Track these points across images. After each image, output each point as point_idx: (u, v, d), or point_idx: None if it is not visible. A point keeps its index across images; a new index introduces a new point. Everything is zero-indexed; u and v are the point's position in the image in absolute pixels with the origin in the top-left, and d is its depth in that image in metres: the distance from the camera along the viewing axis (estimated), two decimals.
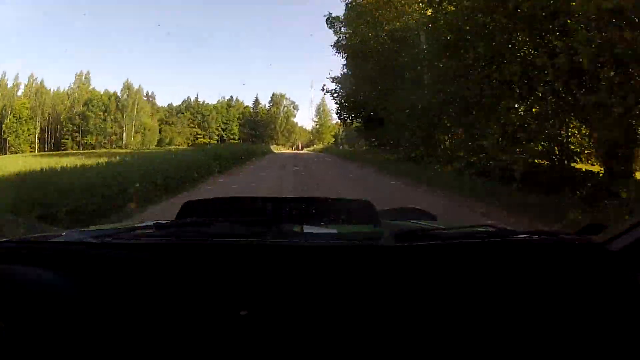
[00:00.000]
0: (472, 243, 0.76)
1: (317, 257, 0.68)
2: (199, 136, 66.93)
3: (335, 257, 0.69)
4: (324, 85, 53.24)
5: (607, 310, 0.59)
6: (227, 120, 68.49)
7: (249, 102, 72.14)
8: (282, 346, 0.53)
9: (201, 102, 69.32)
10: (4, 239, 0.82)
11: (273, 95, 68.84)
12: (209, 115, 67.60)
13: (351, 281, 0.63)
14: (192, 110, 68.28)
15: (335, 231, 0.93)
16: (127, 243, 0.80)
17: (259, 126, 69.17)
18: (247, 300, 0.60)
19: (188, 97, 70.12)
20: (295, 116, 68.99)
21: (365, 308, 0.59)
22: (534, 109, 5.94)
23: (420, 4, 9.63)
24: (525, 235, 0.85)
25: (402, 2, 12.03)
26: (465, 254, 0.71)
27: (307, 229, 0.94)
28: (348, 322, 0.56)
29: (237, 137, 68.84)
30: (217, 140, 68.14)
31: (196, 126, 67.30)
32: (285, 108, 67.98)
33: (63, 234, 0.87)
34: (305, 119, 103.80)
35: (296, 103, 69.39)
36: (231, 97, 71.90)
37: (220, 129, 67.75)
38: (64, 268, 0.67)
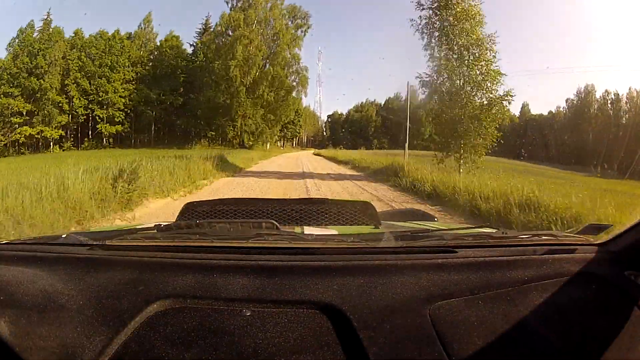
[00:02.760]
0: (473, 245, 0.77)
1: (318, 259, 0.69)
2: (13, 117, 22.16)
3: (336, 258, 0.70)
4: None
5: (607, 309, 0.61)
6: (101, 69, 23.13)
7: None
8: (285, 345, 0.54)
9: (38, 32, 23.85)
10: (4, 241, 0.83)
11: None
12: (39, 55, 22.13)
13: (352, 282, 0.63)
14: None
15: (335, 232, 0.95)
16: (128, 245, 0.79)
17: (196, 80, 23.35)
18: (250, 301, 0.60)
19: None
20: (301, 47, 22.31)
21: (367, 308, 0.59)
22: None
23: None
24: (526, 236, 0.86)
25: None
26: (466, 255, 0.71)
27: (308, 230, 0.95)
28: (349, 322, 0.57)
29: (123, 116, 23.47)
30: (65, 129, 23.37)
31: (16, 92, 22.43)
32: (273, 22, 21.42)
33: (63, 235, 0.87)
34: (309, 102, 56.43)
35: (306, 12, 21.45)
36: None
37: (80, 95, 22.70)
38: (65, 269, 0.67)
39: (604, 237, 0.75)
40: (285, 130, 28.91)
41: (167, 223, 0.87)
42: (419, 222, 1.20)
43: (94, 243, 0.77)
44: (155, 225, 0.86)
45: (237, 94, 20.40)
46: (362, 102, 36.46)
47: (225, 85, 20.56)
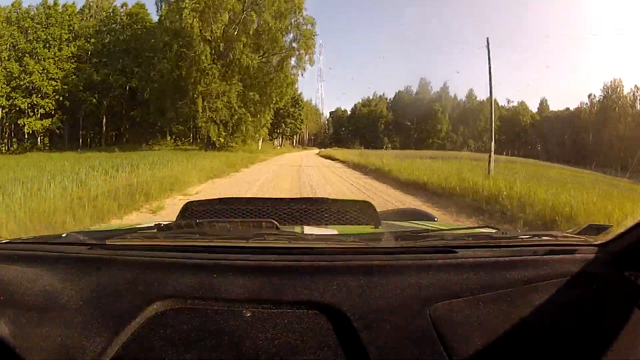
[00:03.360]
0: (473, 245, 0.78)
1: (318, 259, 0.71)
2: None
3: (336, 258, 0.71)
4: None
5: (607, 310, 0.61)
6: (32, 45, 17.04)
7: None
8: (285, 346, 0.55)
9: None
10: (5, 240, 0.85)
11: None
12: None
13: (352, 283, 0.64)
14: None
15: (335, 232, 0.96)
16: (128, 244, 0.81)
17: (144, 50, 16.43)
18: (250, 301, 0.61)
19: None
20: None
21: (367, 308, 0.59)
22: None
23: None
24: (526, 237, 0.87)
25: None
26: (466, 255, 0.71)
27: (308, 229, 0.97)
28: (349, 322, 0.57)
29: (54, 106, 16.90)
30: None
31: None
32: None
33: (63, 235, 0.87)
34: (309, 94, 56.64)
35: None
36: None
37: (5, 82, 16.61)
38: (65, 269, 0.68)
39: (604, 238, 0.76)
40: (283, 125, 21.24)
41: (167, 222, 0.89)
42: (419, 222, 1.22)
43: (94, 242, 0.79)
44: (155, 224, 0.87)
45: (197, 58, 12.27)
46: (369, 97, 33.09)
47: (179, 47, 12.59)
